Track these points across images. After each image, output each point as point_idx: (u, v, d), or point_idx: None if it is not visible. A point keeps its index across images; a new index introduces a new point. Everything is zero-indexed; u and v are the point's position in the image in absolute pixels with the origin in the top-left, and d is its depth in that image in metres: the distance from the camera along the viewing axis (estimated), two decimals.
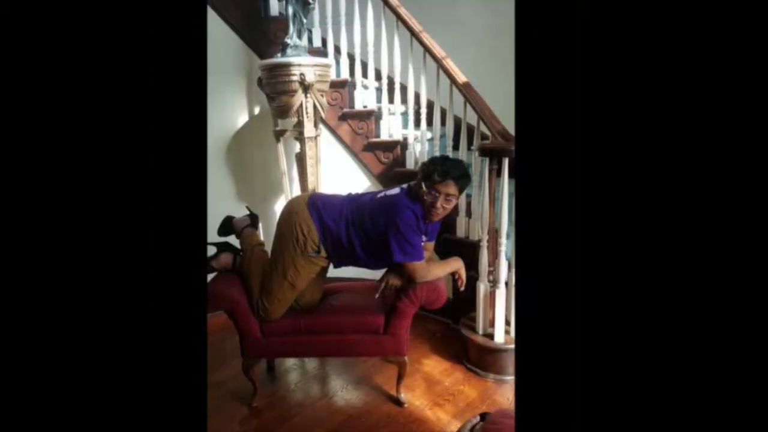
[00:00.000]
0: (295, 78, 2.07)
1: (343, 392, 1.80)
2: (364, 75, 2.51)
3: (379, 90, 2.51)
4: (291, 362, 2.02)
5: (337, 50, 2.52)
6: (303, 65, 2.08)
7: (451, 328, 2.26)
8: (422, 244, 1.57)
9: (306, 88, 2.09)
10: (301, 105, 2.13)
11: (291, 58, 2.08)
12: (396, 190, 1.55)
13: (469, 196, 2.18)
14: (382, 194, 1.58)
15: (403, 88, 2.41)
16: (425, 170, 1.49)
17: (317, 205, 1.59)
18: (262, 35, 2.47)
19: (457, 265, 1.63)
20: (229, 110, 2.48)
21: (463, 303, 2.13)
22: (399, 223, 1.46)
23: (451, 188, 1.47)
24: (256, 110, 2.57)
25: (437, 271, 1.59)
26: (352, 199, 1.62)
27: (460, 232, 2.22)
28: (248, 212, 1.88)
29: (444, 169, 1.45)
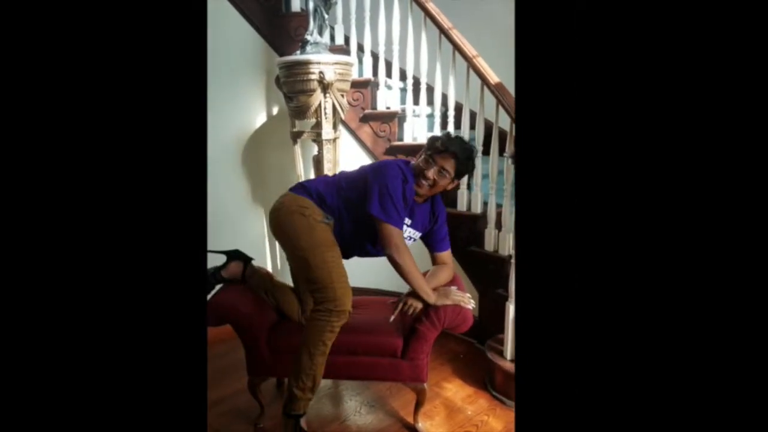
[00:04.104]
0: (313, 77, 1.96)
1: (356, 416, 1.66)
2: (388, 74, 2.39)
3: (403, 90, 2.38)
4: None
5: (360, 48, 2.41)
6: (323, 63, 1.96)
7: (476, 348, 2.09)
8: (406, 222, 1.45)
9: (325, 87, 1.98)
10: (319, 105, 2.02)
11: (310, 56, 1.98)
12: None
13: (499, 206, 2.01)
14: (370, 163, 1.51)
15: (430, 89, 2.28)
16: (429, 141, 1.46)
17: (298, 188, 1.51)
18: (282, 32, 2.37)
19: (427, 294, 1.41)
20: (247, 110, 2.39)
21: (490, 322, 1.97)
22: (386, 176, 1.37)
23: (448, 163, 1.40)
24: (275, 110, 2.47)
25: (414, 273, 1.40)
26: (344, 187, 1.49)
27: (489, 245, 2.05)
28: (227, 256, 1.62)
29: (447, 142, 1.40)
